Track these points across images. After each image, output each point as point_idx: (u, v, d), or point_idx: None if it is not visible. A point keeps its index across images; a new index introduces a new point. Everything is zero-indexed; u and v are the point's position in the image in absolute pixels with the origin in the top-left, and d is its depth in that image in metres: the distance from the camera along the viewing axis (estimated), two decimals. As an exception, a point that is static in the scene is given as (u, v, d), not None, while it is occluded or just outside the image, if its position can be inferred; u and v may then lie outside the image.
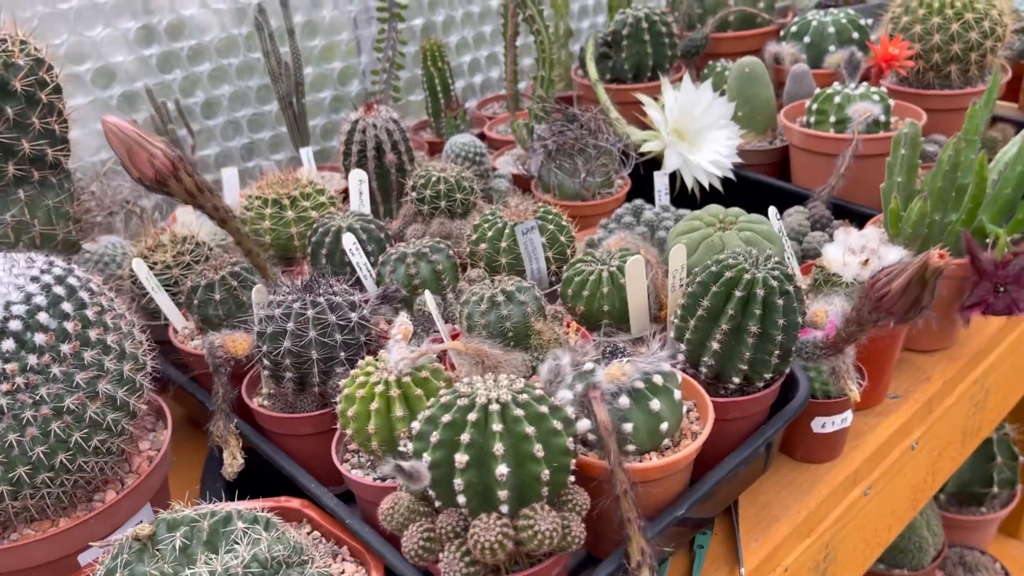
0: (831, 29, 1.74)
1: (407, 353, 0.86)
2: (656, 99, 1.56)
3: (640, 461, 0.85)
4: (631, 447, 0.85)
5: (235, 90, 1.70)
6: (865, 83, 1.51)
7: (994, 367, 1.39)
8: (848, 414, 1.10)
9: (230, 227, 0.99)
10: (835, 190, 1.42)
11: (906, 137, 1.20)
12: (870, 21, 1.79)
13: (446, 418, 0.75)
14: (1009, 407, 1.54)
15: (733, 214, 1.18)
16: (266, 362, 0.96)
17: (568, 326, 1.07)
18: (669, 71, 1.82)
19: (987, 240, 1.23)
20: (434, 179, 1.28)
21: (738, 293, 0.92)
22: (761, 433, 0.96)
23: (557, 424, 0.76)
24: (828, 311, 0.96)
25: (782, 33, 1.84)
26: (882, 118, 1.44)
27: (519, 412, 0.74)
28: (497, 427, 0.73)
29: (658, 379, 0.86)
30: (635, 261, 1.03)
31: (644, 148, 1.53)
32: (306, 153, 1.58)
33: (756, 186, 1.57)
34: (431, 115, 1.80)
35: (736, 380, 0.95)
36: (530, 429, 0.74)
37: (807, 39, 1.76)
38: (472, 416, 0.74)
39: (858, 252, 1.15)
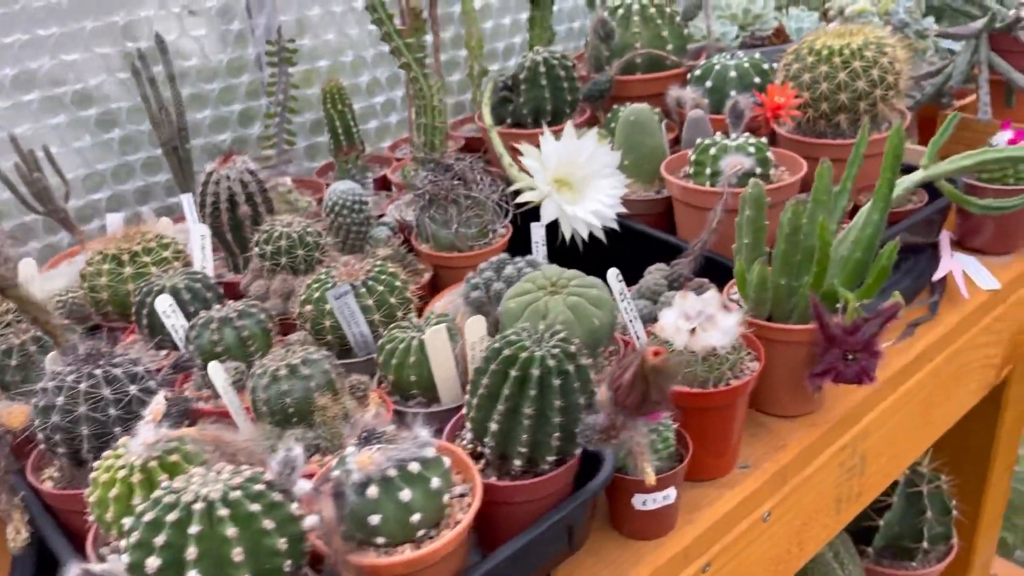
0: (733, 73, 1.70)
1: (152, 436, 0.82)
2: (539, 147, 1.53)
3: (389, 555, 0.81)
4: (380, 539, 0.81)
5: (125, 133, 1.69)
6: (748, 133, 1.47)
7: (868, 431, 1.33)
8: (671, 491, 1.05)
9: (10, 294, 0.97)
10: (708, 245, 1.38)
11: (750, 197, 1.16)
12: (776, 65, 1.75)
13: (148, 517, 0.71)
14: (900, 468, 1.48)
15: (567, 277, 1.15)
16: (40, 435, 0.94)
17: (372, 398, 1.03)
18: (572, 115, 1.79)
19: (838, 305, 1.18)
20: (276, 234, 1.25)
21: (513, 373, 0.88)
22: (547, 518, 0.92)
23: (268, 524, 0.72)
24: (615, 391, 0.92)
25: (689, 76, 1.80)
26: (757, 170, 1.40)
27: (224, 512, 0.71)
28: (194, 529, 0.70)
29: (414, 467, 0.82)
30: (434, 332, 0.99)
31: (521, 198, 1.50)
32: (187, 200, 1.56)
33: (639, 237, 1.53)
34: (335, 158, 1.78)
35: (518, 462, 0.91)
36: (232, 531, 0.70)
37: (709, 83, 1.72)
38: (172, 516, 0.71)
39: (693, 318, 1.11)
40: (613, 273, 1.18)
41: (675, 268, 1.32)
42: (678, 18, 1.90)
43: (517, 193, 1.49)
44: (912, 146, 1.78)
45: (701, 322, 1.11)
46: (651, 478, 0.93)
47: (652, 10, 1.85)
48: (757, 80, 1.69)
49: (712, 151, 1.42)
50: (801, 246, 1.13)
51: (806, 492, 1.25)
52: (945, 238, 1.61)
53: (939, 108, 1.78)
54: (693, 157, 1.46)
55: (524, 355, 0.88)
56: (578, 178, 1.56)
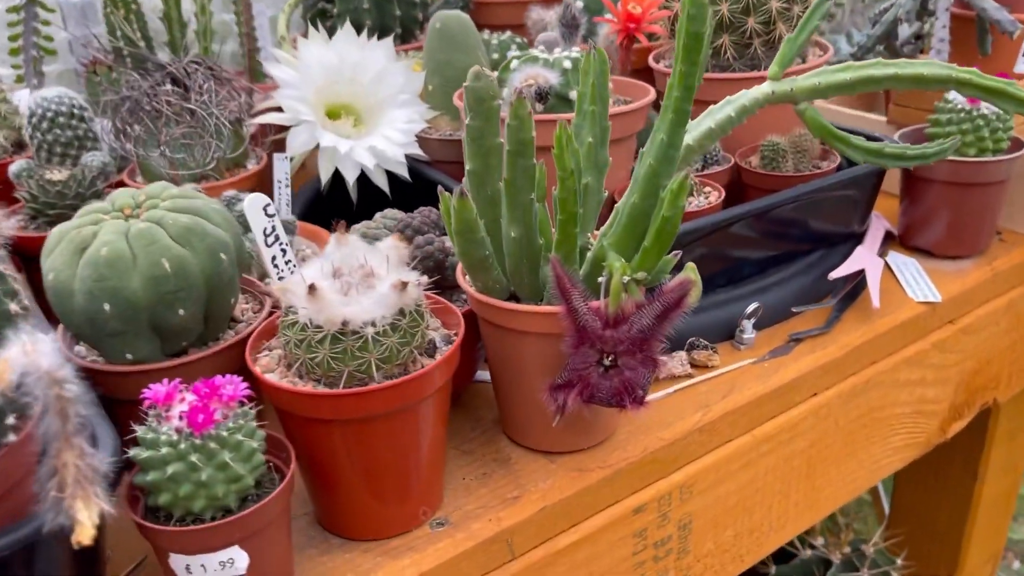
0: (610, -9, 1.27)
1: None
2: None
3: None
4: None
5: None
6: (578, 49, 1.03)
7: (693, 489, 0.88)
8: (234, 553, 0.62)
9: None
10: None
11: (470, 92, 0.72)
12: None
13: None
14: (763, 551, 1.01)
15: (169, 194, 0.73)
16: None
17: None
18: (413, 37, 1.38)
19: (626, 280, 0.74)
20: None
21: None
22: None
23: None
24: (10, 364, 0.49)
25: (567, -1, 1.37)
26: (571, 94, 0.96)
27: None
28: None
29: None
30: None
31: (262, 118, 1.09)
32: None
33: (431, 189, 1.10)
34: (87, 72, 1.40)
35: None
36: None
37: (580, 2, 1.29)
38: None
39: (344, 274, 0.68)
40: (253, 199, 0.75)
41: (415, 216, 0.89)
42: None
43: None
44: (865, 114, 1.32)
45: (355, 283, 0.68)
46: (85, 532, 0.50)
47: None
48: None
49: (513, 65, 0.99)
50: (529, 173, 0.70)
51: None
52: (876, 227, 1.14)
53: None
54: (496, 75, 1.03)
55: None
56: (366, 105, 1.14)
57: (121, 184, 1.12)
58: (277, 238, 0.76)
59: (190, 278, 0.68)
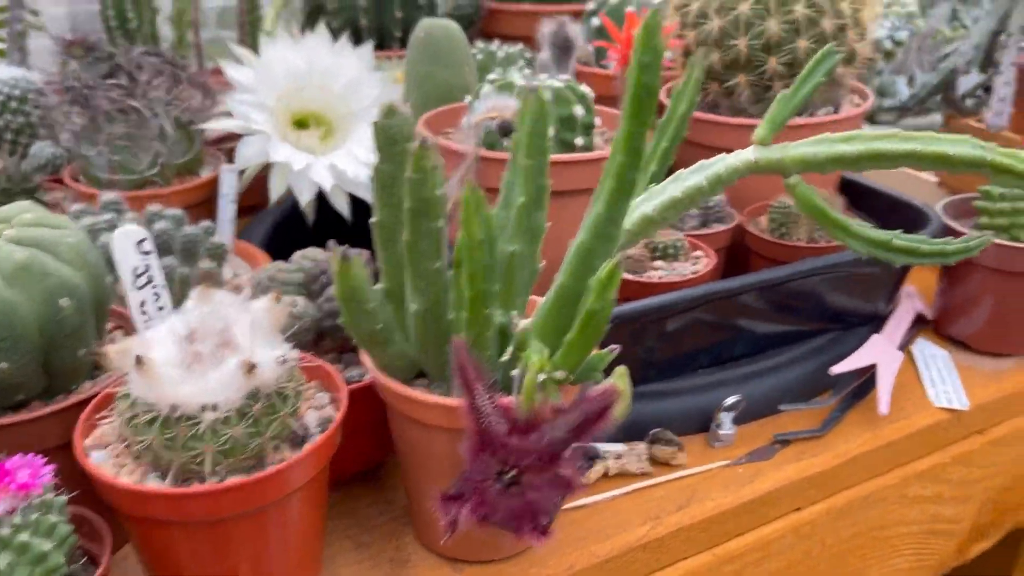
0: (630, 8, 1.12)
1: None
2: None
3: None
4: None
5: None
6: (569, 78, 0.90)
7: (626, 613, 0.74)
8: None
9: None
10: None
11: (379, 129, 0.60)
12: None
13: None
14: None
15: (21, 220, 0.62)
16: None
17: None
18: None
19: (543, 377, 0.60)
20: None
21: None
22: None
23: None
24: None
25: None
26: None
27: None
28: None
29: None
30: None
31: (210, 124, 0.98)
32: None
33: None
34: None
35: None
36: None
37: (596, 21, 1.15)
38: None
39: (199, 339, 0.56)
40: (124, 233, 0.64)
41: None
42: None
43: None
44: (913, 171, 1.15)
45: (206, 353, 0.56)
46: None
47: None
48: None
49: (484, 91, 0.86)
50: (433, 237, 0.57)
51: None
52: (905, 307, 0.98)
53: (955, 115, 1.14)
54: (469, 99, 0.90)
55: None
56: (337, 116, 1.03)
57: (60, 182, 1.03)
58: (150, 280, 0.65)
59: (15, 327, 0.57)
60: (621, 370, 0.57)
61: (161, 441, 0.54)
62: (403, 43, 1.25)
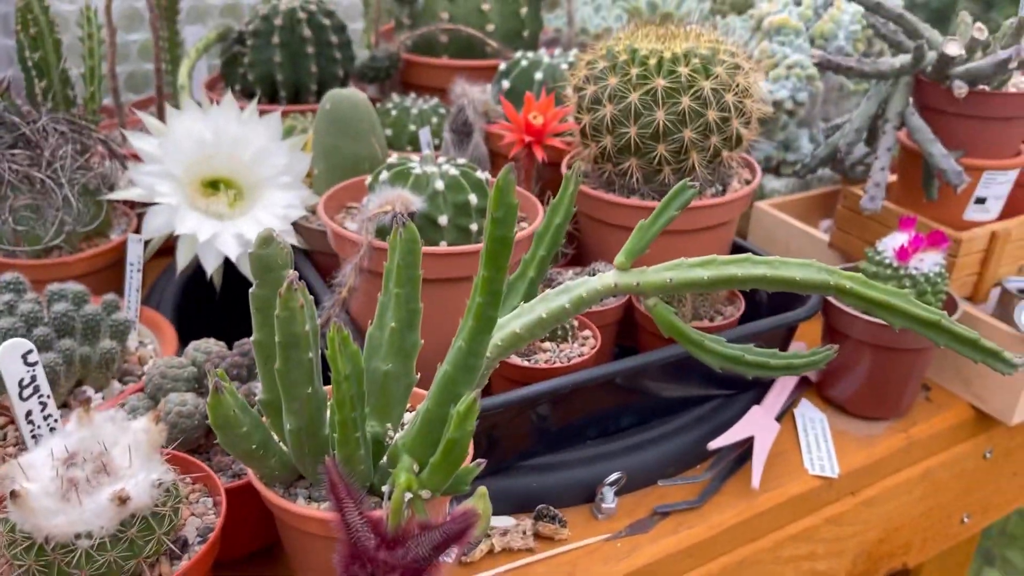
0: (539, 75, 1.16)
1: None
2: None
3: None
4: None
5: None
6: (464, 162, 0.93)
7: None
8: None
9: None
10: (338, 309, 0.86)
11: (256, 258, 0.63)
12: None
13: None
14: None
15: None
16: None
17: None
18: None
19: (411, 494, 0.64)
20: None
21: None
22: None
23: None
24: None
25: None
26: (442, 219, 0.86)
27: None
28: None
29: None
30: None
31: (116, 195, 0.99)
32: None
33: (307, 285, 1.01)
34: None
35: None
36: None
37: (506, 83, 1.18)
38: None
39: (74, 462, 0.59)
40: (10, 346, 0.66)
41: (234, 351, 0.79)
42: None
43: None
44: (810, 230, 1.21)
45: (83, 477, 0.59)
46: None
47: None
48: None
49: (381, 178, 0.89)
50: (304, 366, 0.60)
51: None
52: (782, 382, 1.04)
53: (847, 181, 1.20)
54: (368, 181, 0.93)
55: None
56: (247, 182, 1.05)
57: (-37, 246, 1.04)
58: (36, 389, 0.67)
59: None
60: (482, 491, 0.61)
61: (37, 567, 0.56)
62: (319, 97, 1.27)
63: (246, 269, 1.02)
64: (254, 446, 0.63)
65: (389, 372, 0.65)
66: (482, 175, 0.90)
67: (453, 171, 0.89)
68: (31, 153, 0.97)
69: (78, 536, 0.56)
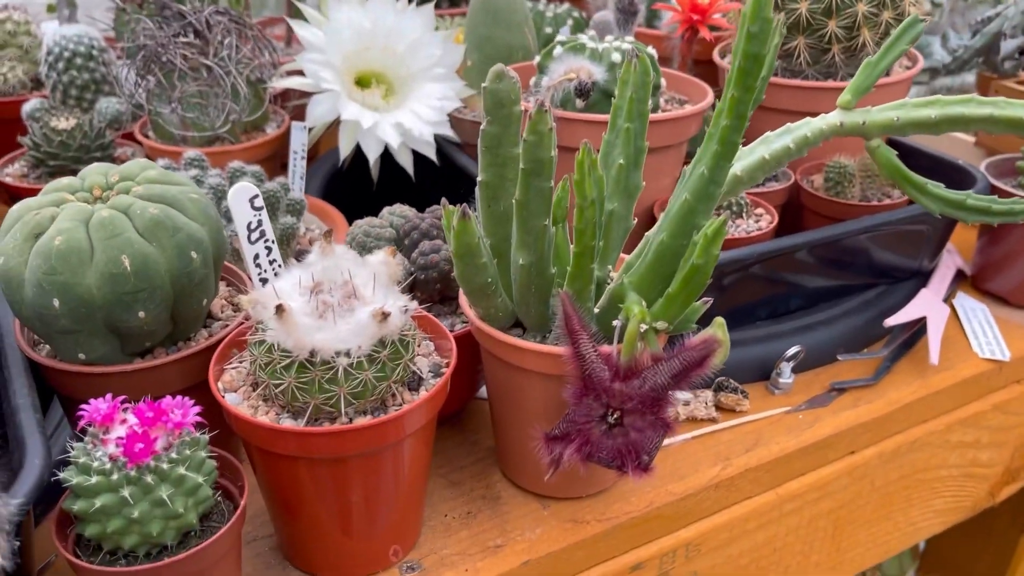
0: (682, -30, 1.15)
1: None
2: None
3: None
4: None
5: None
6: (632, 39, 0.93)
7: (700, 546, 0.79)
8: (166, 597, 0.56)
9: None
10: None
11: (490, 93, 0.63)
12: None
13: None
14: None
15: (145, 176, 0.65)
16: None
17: None
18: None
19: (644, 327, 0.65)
20: None
21: None
22: None
23: None
24: None
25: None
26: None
27: None
28: None
29: None
30: None
31: (283, 83, 1.01)
32: None
33: (459, 177, 1.02)
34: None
35: None
36: None
37: (649, -19, 1.17)
38: None
39: (321, 291, 0.60)
40: (239, 190, 0.67)
41: (426, 217, 0.80)
42: None
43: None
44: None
45: (334, 303, 0.60)
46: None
47: None
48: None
49: (556, 52, 0.89)
50: (544, 195, 0.61)
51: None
52: (946, 263, 1.03)
53: (992, 76, 1.17)
54: (537, 60, 0.93)
55: None
56: (399, 76, 1.05)
57: (130, 136, 1.06)
58: (263, 234, 0.68)
59: (153, 278, 0.60)
60: (720, 321, 0.61)
61: (298, 383, 0.58)
62: (453, 2, 1.27)
63: (405, 160, 1.02)
64: (488, 279, 0.64)
65: (614, 211, 0.65)
66: (653, 51, 0.90)
67: (626, 46, 0.88)
68: (199, 43, 0.99)
69: (338, 354, 0.58)
